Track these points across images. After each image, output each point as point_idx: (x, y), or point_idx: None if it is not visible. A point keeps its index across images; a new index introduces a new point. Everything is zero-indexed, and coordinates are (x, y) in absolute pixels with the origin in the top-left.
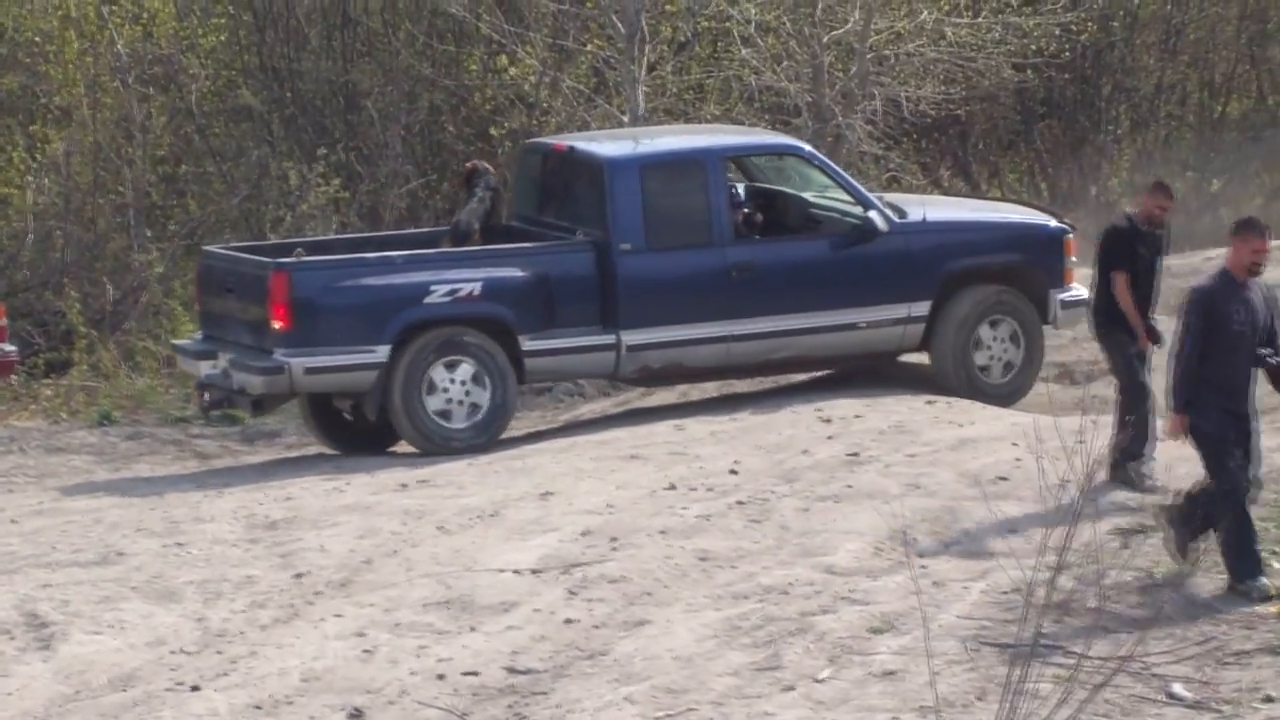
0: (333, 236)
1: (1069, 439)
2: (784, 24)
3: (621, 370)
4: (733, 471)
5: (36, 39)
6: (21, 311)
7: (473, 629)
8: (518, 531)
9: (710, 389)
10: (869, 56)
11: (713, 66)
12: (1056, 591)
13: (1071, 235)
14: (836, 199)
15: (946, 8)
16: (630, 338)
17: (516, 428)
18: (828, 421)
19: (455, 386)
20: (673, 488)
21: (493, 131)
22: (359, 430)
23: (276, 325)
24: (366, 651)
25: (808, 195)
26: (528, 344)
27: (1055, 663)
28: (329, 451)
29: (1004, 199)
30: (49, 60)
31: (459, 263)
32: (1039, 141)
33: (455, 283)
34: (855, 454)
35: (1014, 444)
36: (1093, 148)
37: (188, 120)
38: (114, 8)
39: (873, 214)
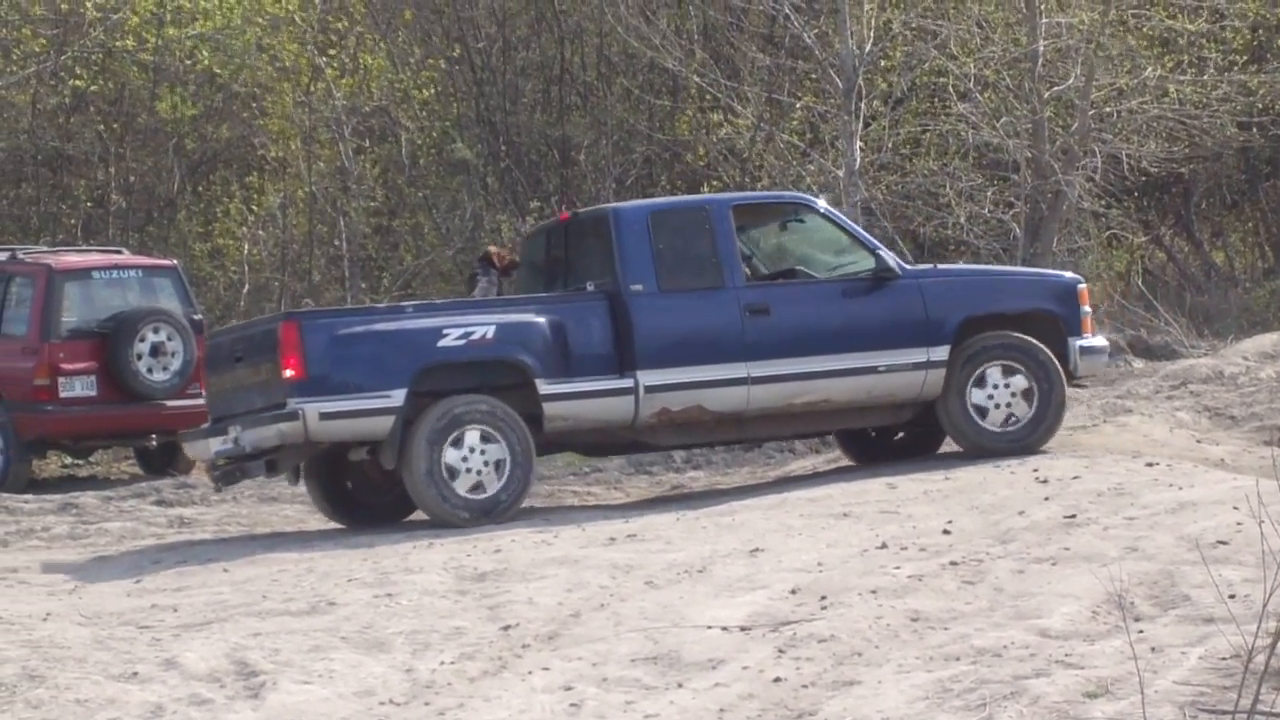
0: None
1: None
2: (1003, 79)
3: (641, 415)
4: (946, 531)
5: (255, 90)
6: None
7: (680, 685)
8: (726, 588)
9: None
10: (1090, 113)
11: (930, 121)
12: (1277, 658)
13: (1084, 285)
14: (855, 273)
15: (1170, 65)
16: (648, 378)
17: (725, 483)
18: (1044, 482)
19: (474, 456)
20: (884, 547)
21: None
22: (368, 503)
23: (289, 374)
24: (574, 705)
25: (822, 274)
26: (545, 388)
27: None
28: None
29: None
30: (264, 113)
31: (472, 310)
32: (1264, 201)
33: (468, 327)
34: (1072, 516)
35: (1234, 507)
36: None
37: (402, 173)
38: (328, 59)
39: (883, 253)
